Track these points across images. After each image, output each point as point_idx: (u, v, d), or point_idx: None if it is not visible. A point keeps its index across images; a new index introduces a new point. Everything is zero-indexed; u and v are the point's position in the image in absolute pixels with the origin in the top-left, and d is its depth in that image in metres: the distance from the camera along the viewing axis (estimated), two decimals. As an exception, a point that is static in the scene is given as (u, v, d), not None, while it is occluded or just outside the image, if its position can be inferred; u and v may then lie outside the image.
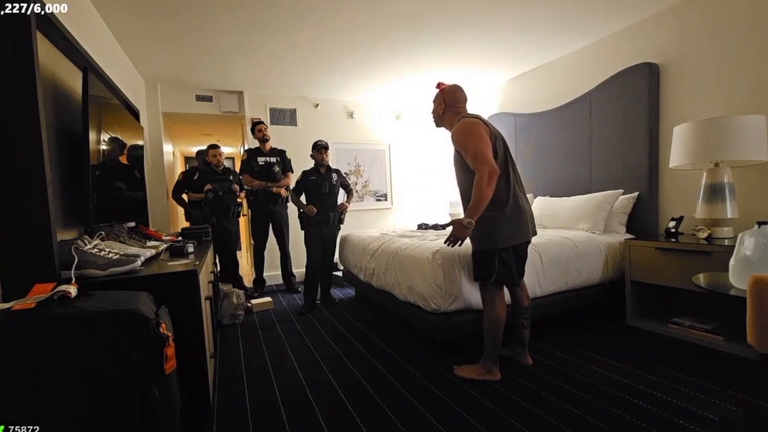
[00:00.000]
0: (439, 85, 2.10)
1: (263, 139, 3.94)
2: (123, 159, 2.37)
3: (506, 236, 1.91)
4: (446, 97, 2.05)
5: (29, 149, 1.33)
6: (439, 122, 2.13)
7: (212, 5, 2.53)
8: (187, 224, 4.09)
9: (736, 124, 2.20)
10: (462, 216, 1.86)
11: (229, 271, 3.90)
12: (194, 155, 7.97)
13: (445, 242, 1.89)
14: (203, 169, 3.96)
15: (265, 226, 4.08)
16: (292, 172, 4.06)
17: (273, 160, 3.98)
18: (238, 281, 3.92)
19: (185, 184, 3.94)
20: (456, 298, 2.18)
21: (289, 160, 4.11)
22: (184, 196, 3.96)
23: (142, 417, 1.11)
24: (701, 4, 2.64)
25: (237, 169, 4.22)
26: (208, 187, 3.76)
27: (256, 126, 3.97)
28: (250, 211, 4.15)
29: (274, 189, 3.95)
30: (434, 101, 2.11)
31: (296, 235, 4.01)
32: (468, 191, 1.91)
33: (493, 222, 1.89)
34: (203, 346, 1.61)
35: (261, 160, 3.93)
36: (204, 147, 4.10)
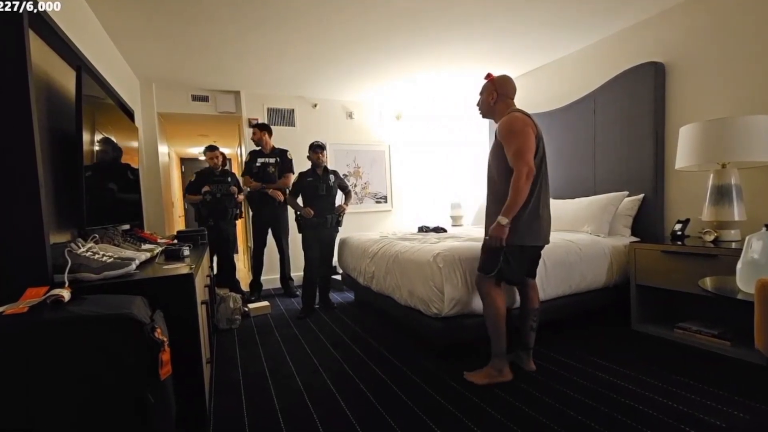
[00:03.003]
0: (488, 76, 2.08)
1: (258, 143, 3.93)
2: (117, 160, 2.34)
3: (515, 235, 1.91)
4: (498, 86, 2.04)
5: (21, 150, 1.31)
6: (488, 113, 2.11)
7: (208, 3, 2.50)
8: (189, 226, 4.05)
9: (744, 125, 2.18)
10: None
11: (225, 275, 3.86)
12: (191, 156, 7.92)
13: (486, 242, 1.96)
14: (200, 171, 3.92)
15: (263, 228, 4.03)
16: (293, 172, 3.96)
17: (271, 161, 3.93)
18: (235, 285, 3.88)
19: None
20: (457, 302, 2.15)
21: (290, 160, 4.03)
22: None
23: (137, 424, 1.09)
24: (708, 2, 2.61)
25: (236, 171, 4.20)
26: (206, 188, 3.72)
27: (251, 129, 3.97)
28: (251, 213, 4.13)
29: (270, 191, 3.90)
30: (483, 92, 2.09)
31: (296, 237, 3.95)
32: (498, 184, 1.97)
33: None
34: (199, 351, 1.59)
35: (260, 161, 3.91)
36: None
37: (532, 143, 1.86)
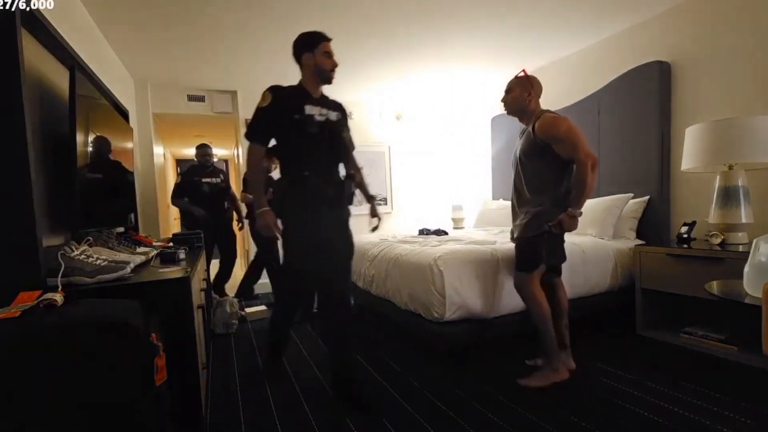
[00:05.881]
0: (523, 72, 2.05)
1: (325, 75, 2.08)
2: (112, 162, 2.31)
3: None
4: (534, 84, 2.02)
5: (13, 151, 1.30)
6: (518, 110, 2.07)
7: (205, 1, 2.46)
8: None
9: (751, 125, 2.15)
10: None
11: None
12: (187, 157, 7.86)
13: (552, 229, 1.96)
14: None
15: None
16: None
17: (333, 115, 2.11)
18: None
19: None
20: (458, 306, 2.12)
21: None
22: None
23: (132, 430, 1.08)
24: (715, 0, 2.57)
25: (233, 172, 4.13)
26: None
27: (319, 44, 2.04)
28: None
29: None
30: (516, 87, 2.04)
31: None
32: (535, 182, 2.02)
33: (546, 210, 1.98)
34: (195, 356, 1.56)
35: (309, 110, 2.00)
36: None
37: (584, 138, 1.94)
